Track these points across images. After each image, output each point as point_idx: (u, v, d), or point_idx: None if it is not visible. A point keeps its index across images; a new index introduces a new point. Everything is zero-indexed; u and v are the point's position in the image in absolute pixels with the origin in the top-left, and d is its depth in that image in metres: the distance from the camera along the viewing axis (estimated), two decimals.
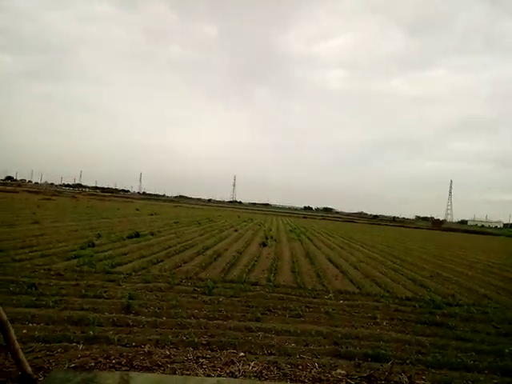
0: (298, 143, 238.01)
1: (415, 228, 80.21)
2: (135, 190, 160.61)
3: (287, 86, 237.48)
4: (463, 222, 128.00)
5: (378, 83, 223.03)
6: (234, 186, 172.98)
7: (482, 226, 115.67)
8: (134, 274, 9.82)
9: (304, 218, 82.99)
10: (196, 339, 5.50)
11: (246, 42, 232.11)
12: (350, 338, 6.27)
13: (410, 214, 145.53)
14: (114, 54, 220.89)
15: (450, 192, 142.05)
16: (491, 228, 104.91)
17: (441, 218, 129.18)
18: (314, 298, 9.03)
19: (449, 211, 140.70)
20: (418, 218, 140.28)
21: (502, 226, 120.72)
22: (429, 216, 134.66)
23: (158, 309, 6.97)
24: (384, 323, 7.37)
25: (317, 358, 5.34)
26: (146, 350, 4.91)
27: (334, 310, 7.99)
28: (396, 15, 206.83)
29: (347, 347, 5.78)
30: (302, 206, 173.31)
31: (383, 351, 5.66)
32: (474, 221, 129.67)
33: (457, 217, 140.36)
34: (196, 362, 4.63)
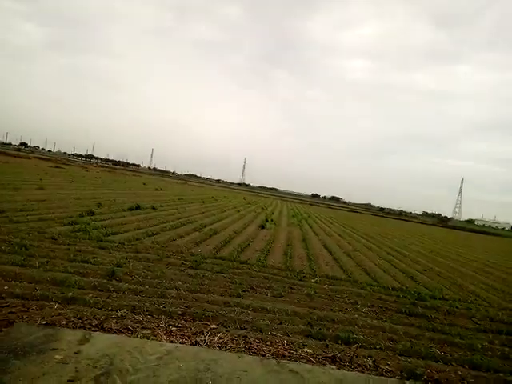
0: (313, 131, 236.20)
1: (420, 223, 79.71)
2: (146, 165, 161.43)
3: (309, 72, 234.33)
4: (470, 221, 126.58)
5: (400, 76, 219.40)
6: (243, 168, 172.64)
7: (490, 226, 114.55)
8: (126, 243, 10.00)
9: (310, 205, 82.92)
10: (172, 309, 5.64)
11: (271, 25, 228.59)
12: (325, 320, 6.37)
13: (417, 209, 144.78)
14: (138, 30, 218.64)
15: (461, 190, 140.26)
16: (498, 229, 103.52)
17: (448, 216, 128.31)
18: (300, 280, 9.13)
19: (457, 209, 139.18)
20: (425, 213, 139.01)
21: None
22: (436, 213, 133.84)
23: (142, 278, 7.13)
24: (363, 310, 7.45)
25: (288, 336, 5.44)
26: (119, 314, 5.06)
27: (316, 293, 8.09)
28: (426, 6, 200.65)
29: (320, 329, 5.87)
30: (310, 194, 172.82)
31: (355, 335, 5.74)
32: (481, 220, 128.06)
33: (465, 216, 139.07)
34: (165, 330, 4.76)
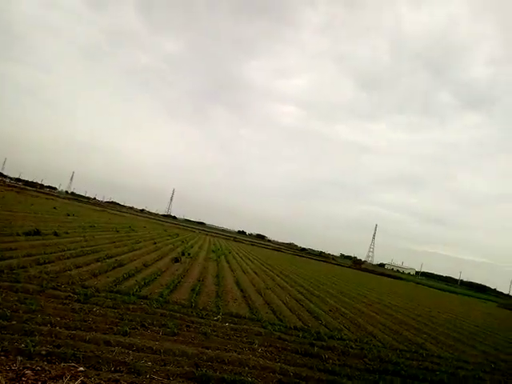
0: (243, 169, 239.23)
1: (337, 265, 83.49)
2: (63, 188, 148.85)
3: (242, 112, 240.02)
4: (381, 265, 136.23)
5: (327, 126, 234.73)
6: (171, 199, 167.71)
7: (397, 270, 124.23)
8: (6, 271, 8.78)
9: (234, 241, 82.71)
10: (36, 348, 4.89)
11: (210, 63, 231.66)
12: (215, 361, 6.02)
13: (336, 251, 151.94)
14: (71, 46, 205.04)
15: (374, 236, 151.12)
16: (404, 274, 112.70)
17: (363, 259, 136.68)
18: (201, 317, 8.70)
19: (370, 253, 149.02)
20: (342, 255, 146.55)
21: (414, 273, 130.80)
22: (352, 255, 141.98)
23: (13, 312, 6.19)
24: (259, 350, 7.24)
25: (168, 379, 5.01)
26: None
27: (214, 331, 7.73)
28: (350, 67, 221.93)
29: (207, 371, 5.51)
30: (237, 230, 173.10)
31: (242, 377, 5.49)
32: (390, 265, 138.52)
33: (377, 259, 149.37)
34: (16, 373, 4.06)
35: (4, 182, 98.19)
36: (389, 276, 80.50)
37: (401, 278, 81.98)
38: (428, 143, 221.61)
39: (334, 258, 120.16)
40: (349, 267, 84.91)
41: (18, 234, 14.68)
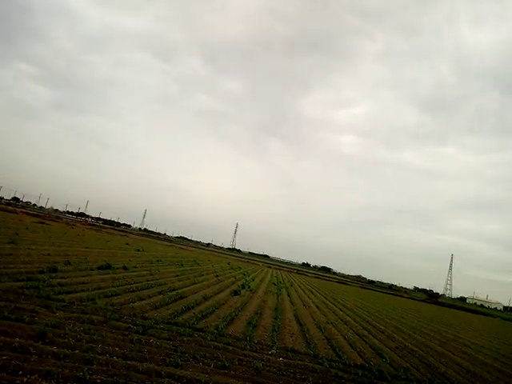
0: (305, 201, 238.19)
1: (409, 298, 77.57)
2: (137, 225, 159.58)
3: (301, 144, 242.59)
4: (462, 299, 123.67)
5: (389, 152, 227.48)
6: (235, 233, 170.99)
7: (481, 305, 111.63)
8: (76, 303, 9.51)
9: (298, 273, 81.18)
10: (92, 377, 5.19)
11: (269, 100, 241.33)
12: None
13: (409, 284, 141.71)
14: (142, 97, 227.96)
15: (451, 266, 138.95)
16: (490, 309, 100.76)
17: (440, 292, 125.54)
18: (255, 351, 8.58)
19: (448, 286, 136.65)
20: (416, 288, 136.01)
21: (501, 308, 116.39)
22: (427, 288, 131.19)
23: (76, 341, 6.66)
24: None
25: None
26: (25, 380, 4.63)
27: (267, 366, 7.56)
28: (411, 93, 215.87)
29: None
30: (301, 262, 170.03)
31: None
32: (473, 299, 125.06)
33: (457, 292, 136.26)
34: None
35: (86, 221, 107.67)
36: (470, 311, 72.89)
37: (485, 314, 73.59)
38: (506, 163, 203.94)
39: (406, 291, 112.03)
40: (423, 301, 78.42)
41: (91, 269, 15.93)
